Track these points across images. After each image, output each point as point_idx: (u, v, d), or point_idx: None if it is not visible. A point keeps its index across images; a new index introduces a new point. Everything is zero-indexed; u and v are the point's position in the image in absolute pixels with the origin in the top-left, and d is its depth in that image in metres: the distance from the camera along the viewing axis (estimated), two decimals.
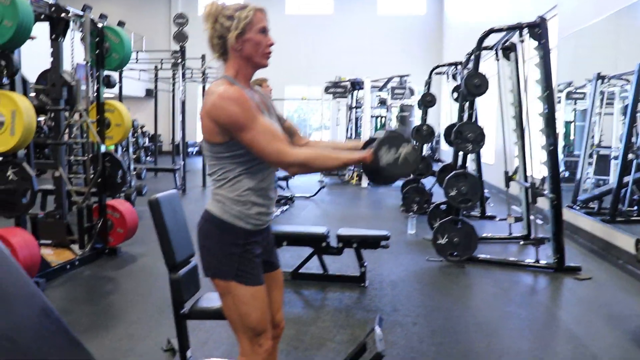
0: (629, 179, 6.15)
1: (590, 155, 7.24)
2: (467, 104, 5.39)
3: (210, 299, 2.64)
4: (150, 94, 18.64)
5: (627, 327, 3.54)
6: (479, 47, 4.93)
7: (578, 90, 7.64)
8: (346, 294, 4.15)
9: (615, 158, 7.13)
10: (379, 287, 4.35)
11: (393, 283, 4.47)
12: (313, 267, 4.53)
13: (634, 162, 6.15)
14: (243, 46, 1.80)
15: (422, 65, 18.22)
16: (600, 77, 6.90)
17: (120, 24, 5.11)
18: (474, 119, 5.41)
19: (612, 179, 7.15)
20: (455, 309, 3.87)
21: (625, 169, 6.11)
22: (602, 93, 7.00)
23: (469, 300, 4.10)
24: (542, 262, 4.90)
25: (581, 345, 3.23)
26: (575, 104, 7.92)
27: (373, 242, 4.33)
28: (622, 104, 7.04)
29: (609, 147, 7.23)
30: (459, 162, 6.08)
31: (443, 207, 6.16)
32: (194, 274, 2.58)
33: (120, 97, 8.46)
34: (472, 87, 4.85)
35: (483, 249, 5.34)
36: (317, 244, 4.32)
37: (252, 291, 1.83)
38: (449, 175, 5.04)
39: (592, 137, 7.26)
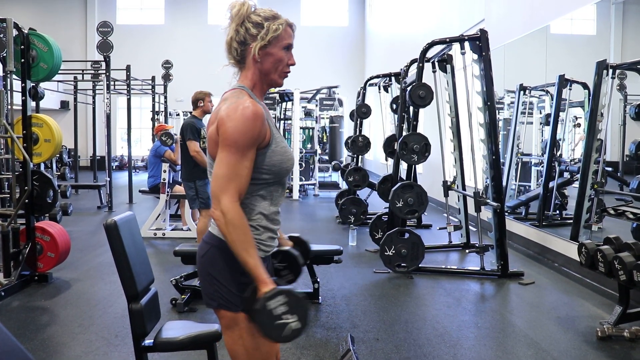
0: (551, 184, 6.49)
1: (517, 163, 7.59)
2: (410, 115, 5.44)
3: (173, 328, 2.44)
4: (65, 105, 17.58)
5: (578, 329, 3.66)
6: (422, 59, 4.98)
7: (499, 101, 7.98)
8: None
9: (536, 165, 7.52)
10: (333, 302, 4.25)
11: (346, 298, 4.39)
12: None
13: (556, 169, 6.51)
14: (263, 59, 1.66)
15: (345, 75, 18.53)
16: (522, 88, 7.26)
17: (31, 31, 4.68)
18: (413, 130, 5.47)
19: (533, 185, 7.53)
20: (414, 321, 3.84)
21: (548, 176, 6.44)
22: (524, 103, 7.36)
23: (425, 311, 4.08)
24: (487, 269, 5.02)
25: (542, 350, 3.29)
26: (498, 113, 8.28)
27: (327, 258, 4.24)
28: (540, 114, 7.45)
29: (530, 155, 7.62)
30: (402, 173, 6.15)
31: (384, 218, 6.20)
32: (155, 302, 2.39)
33: (37, 110, 7.86)
34: (417, 99, 4.90)
35: (425, 258, 5.37)
36: None
37: None
38: (395, 187, 5.04)
39: (518, 145, 7.61)
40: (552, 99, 6.37)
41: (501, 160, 7.42)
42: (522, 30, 6.49)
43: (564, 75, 5.93)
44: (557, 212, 6.63)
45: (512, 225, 6.31)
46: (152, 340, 2.24)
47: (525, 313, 4.10)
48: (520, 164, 7.59)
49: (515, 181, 7.64)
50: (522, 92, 7.24)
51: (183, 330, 2.38)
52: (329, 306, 4.16)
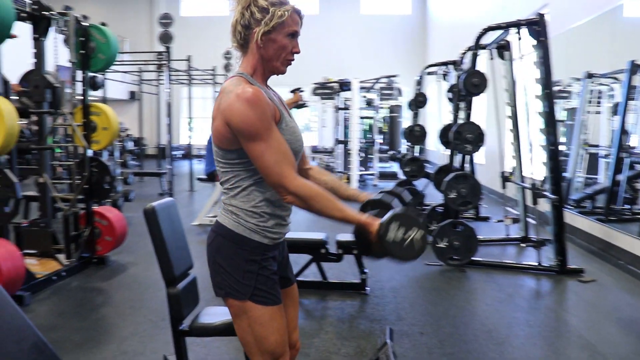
0: (620, 177, 6.12)
1: (583, 155, 7.21)
2: (464, 103, 5.27)
3: (210, 314, 2.47)
4: (134, 96, 18.34)
5: None
6: (477, 45, 4.80)
7: (566, 89, 7.60)
8: (347, 303, 4.00)
9: (605, 157, 7.11)
10: (380, 294, 4.21)
11: (394, 290, 4.32)
12: (309, 274, 4.39)
13: (626, 160, 6.12)
14: (266, 45, 1.62)
15: (407, 64, 18.22)
16: (589, 76, 6.87)
17: (103, 25, 4.90)
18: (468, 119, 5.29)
19: (602, 177, 7.13)
20: (462, 316, 3.73)
21: (617, 168, 6.08)
22: (591, 92, 6.97)
23: (475, 306, 3.96)
24: (544, 264, 4.80)
25: (597, 354, 3.11)
26: (563, 102, 7.88)
27: None
28: (610, 103, 7.02)
29: (597, 146, 7.21)
30: (456, 163, 5.99)
31: (439, 209, 6.06)
32: (194, 288, 2.42)
33: (104, 100, 8.24)
34: (470, 87, 4.74)
35: (481, 251, 5.22)
36: (315, 250, 4.16)
37: (270, 312, 1.65)
38: (449, 177, 4.91)
39: (584, 135, 7.23)
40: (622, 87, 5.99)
41: (565, 152, 7.07)
42: (590, 13, 6.12)
43: (634, 61, 5.55)
44: (627, 206, 6.25)
45: (576, 220, 6.01)
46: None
47: (583, 312, 3.89)
48: (587, 155, 7.21)
49: (582, 173, 7.27)
50: (588, 80, 6.86)
51: (220, 317, 2.41)
52: (376, 297, 4.11)
